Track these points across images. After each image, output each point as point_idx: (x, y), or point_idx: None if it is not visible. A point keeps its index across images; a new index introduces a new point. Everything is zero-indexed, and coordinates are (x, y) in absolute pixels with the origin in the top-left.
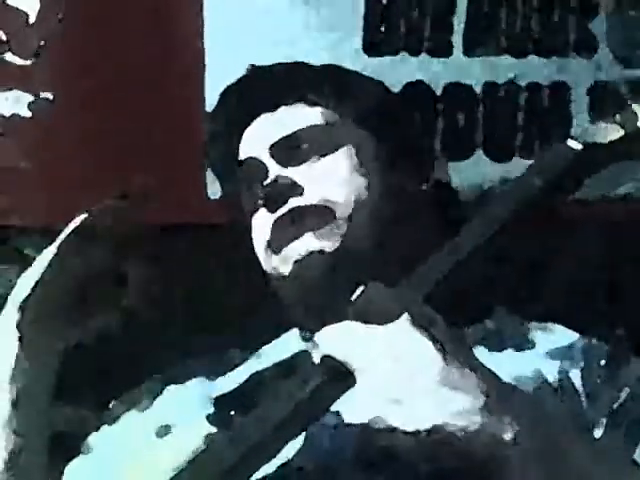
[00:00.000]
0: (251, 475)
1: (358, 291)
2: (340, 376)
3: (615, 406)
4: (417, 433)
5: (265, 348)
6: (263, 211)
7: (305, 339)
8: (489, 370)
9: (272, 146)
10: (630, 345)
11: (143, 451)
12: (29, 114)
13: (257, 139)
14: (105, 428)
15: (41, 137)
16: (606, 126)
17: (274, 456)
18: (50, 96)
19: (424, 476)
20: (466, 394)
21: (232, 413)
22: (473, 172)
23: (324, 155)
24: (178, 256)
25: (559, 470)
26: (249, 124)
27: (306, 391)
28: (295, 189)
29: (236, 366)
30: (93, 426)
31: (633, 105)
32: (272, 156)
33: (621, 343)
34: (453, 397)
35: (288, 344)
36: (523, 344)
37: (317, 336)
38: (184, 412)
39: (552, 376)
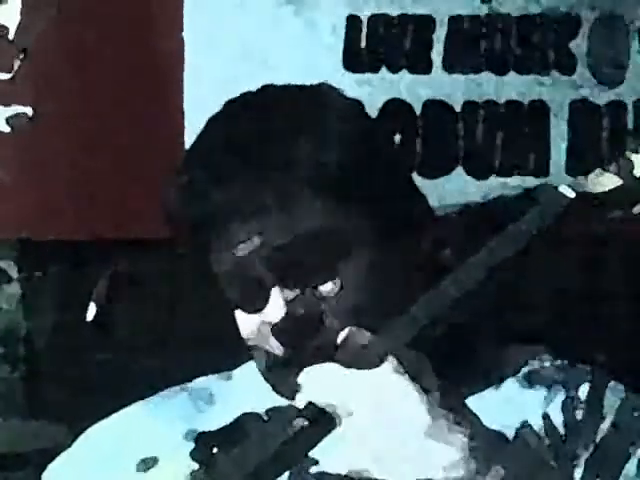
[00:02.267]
0: None
1: (342, 335)
2: (323, 420)
3: (597, 440)
4: None
5: (241, 368)
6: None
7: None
8: (476, 417)
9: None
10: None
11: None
12: (8, 129)
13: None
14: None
15: (19, 151)
16: (601, 174)
17: None
18: (29, 111)
19: None
20: (452, 446)
21: (214, 451)
22: (453, 189)
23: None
24: (156, 269)
25: None
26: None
27: (288, 434)
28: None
29: (218, 393)
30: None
31: (627, 153)
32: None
33: (601, 369)
34: (438, 449)
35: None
36: (505, 373)
37: (300, 379)
38: (168, 444)
39: (534, 411)
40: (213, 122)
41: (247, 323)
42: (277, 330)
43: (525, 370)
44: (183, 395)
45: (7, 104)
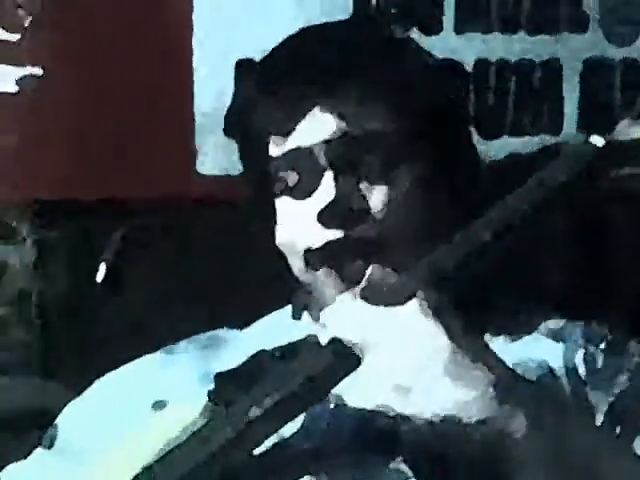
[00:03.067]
0: (248, 452)
1: (368, 272)
2: (346, 358)
3: (616, 392)
4: (421, 421)
5: (256, 323)
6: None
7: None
8: (498, 359)
9: (328, 146)
10: (629, 329)
11: (137, 422)
12: (16, 89)
13: (313, 130)
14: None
15: (29, 112)
16: (632, 123)
17: (272, 435)
18: (39, 71)
19: (426, 464)
20: (474, 384)
21: (234, 390)
22: None
23: (384, 177)
24: (166, 230)
25: (564, 461)
26: (302, 114)
27: (310, 372)
28: (361, 213)
29: (232, 342)
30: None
31: None
32: (328, 160)
33: (620, 327)
34: (460, 387)
35: (281, 321)
36: (528, 328)
37: (325, 316)
38: (182, 386)
39: (555, 360)
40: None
41: (290, 215)
42: (324, 214)
43: (543, 328)
44: (195, 344)
45: (17, 65)
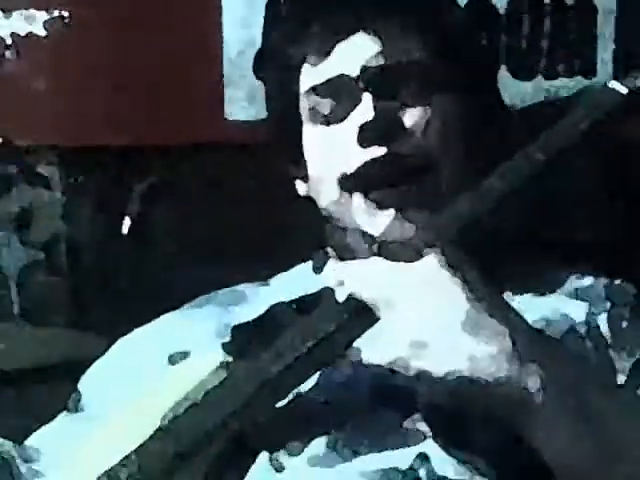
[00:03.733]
0: (268, 409)
1: (384, 226)
2: (364, 314)
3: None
4: (438, 378)
5: (278, 277)
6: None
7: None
8: (518, 315)
9: (366, 71)
10: None
11: (155, 377)
12: (44, 33)
13: (351, 57)
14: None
15: (56, 56)
16: None
17: (291, 391)
18: (66, 13)
19: (443, 421)
20: (493, 340)
21: (249, 343)
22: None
23: (420, 102)
24: (194, 177)
25: (585, 420)
26: (342, 37)
27: (328, 328)
28: (399, 129)
29: (252, 297)
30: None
31: None
32: (367, 83)
33: None
34: (479, 342)
35: (303, 274)
36: (551, 286)
37: (343, 273)
38: (200, 339)
39: (579, 319)
40: None
41: (324, 143)
42: (364, 131)
43: (568, 286)
44: (216, 299)
45: (44, 8)
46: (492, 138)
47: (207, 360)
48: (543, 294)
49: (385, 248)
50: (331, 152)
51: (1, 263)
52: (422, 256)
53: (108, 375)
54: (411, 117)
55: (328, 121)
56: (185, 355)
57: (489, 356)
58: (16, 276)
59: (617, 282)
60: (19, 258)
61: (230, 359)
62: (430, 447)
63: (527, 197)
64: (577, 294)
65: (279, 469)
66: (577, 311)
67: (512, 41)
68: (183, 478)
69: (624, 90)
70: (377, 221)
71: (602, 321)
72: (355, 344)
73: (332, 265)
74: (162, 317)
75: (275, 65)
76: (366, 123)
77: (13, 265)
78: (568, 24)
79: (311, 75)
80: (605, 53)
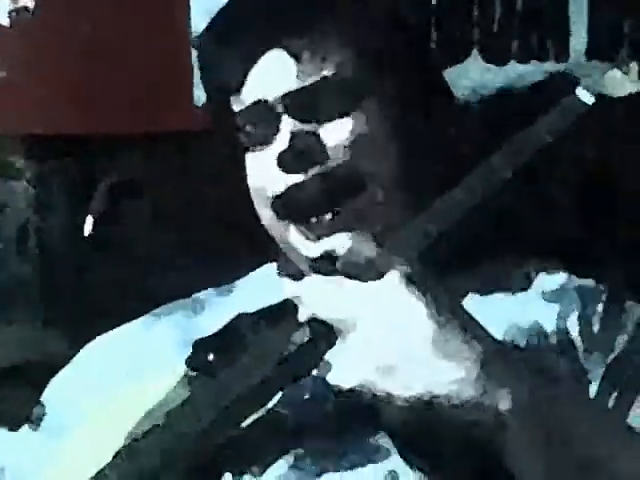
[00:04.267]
0: (230, 430)
1: (346, 244)
2: (326, 335)
3: (612, 357)
4: (404, 401)
5: (239, 282)
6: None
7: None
8: (486, 332)
9: (285, 96)
10: (627, 288)
11: (118, 391)
12: (8, 22)
13: (267, 81)
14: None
15: (20, 46)
16: (620, 76)
17: (255, 412)
18: (30, 4)
19: (409, 439)
20: (460, 361)
21: (211, 357)
22: (469, 76)
23: (343, 115)
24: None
25: (559, 441)
26: (257, 57)
27: (290, 349)
28: (320, 152)
29: (214, 304)
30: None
31: None
32: (285, 107)
33: (618, 286)
34: (446, 364)
35: (264, 278)
36: (520, 285)
37: (302, 291)
38: (162, 352)
39: (549, 325)
40: None
41: (256, 168)
42: (282, 158)
43: (538, 285)
44: (178, 308)
45: None
46: (437, 136)
47: (169, 374)
48: (513, 294)
49: (345, 267)
50: (262, 176)
51: None
52: (383, 275)
53: (71, 389)
54: (333, 134)
55: (254, 146)
56: (147, 369)
57: (456, 378)
58: None
59: (588, 282)
60: None
61: (193, 374)
62: (397, 463)
63: (490, 207)
64: (547, 296)
65: None
66: (547, 315)
67: (484, 25)
68: None
69: (591, 100)
70: (314, 246)
71: (573, 323)
72: (325, 357)
73: (289, 282)
74: (124, 327)
75: (207, 89)
76: (284, 150)
77: None
78: (541, 7)
79: (235, 101)
80: (579, 37)
